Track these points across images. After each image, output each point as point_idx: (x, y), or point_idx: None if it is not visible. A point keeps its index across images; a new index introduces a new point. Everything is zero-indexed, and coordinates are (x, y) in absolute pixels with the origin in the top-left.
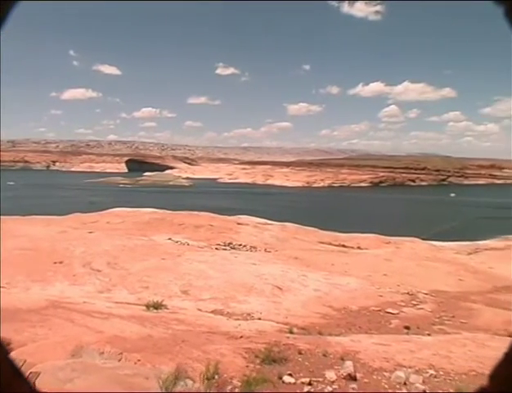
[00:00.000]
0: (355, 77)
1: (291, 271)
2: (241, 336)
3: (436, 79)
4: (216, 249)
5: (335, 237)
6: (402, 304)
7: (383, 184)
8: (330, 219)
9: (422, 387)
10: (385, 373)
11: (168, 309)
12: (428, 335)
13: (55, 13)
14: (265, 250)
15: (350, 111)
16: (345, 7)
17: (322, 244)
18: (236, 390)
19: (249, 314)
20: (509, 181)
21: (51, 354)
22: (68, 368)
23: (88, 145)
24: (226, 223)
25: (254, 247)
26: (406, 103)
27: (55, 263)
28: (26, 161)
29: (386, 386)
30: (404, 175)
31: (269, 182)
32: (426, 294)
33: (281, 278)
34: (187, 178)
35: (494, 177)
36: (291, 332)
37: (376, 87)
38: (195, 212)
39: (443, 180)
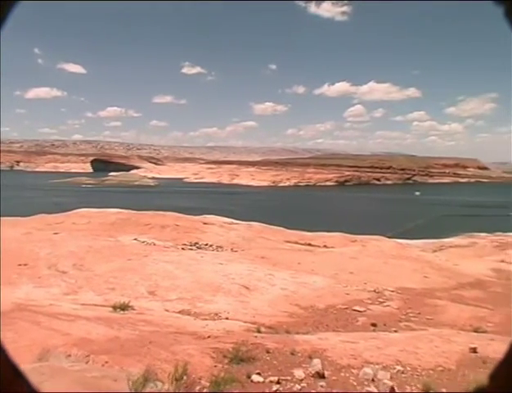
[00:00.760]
0: (321, 77)
1: (258, 270)
2: (209, 336)
3: (401, 79)
4: (182, 249)
5: (302, 236)
6: (369, 301)
7: (348, 183)
8: (297, 218)
9: (390, 383)
10: (353, 370)
11: (134, 310)
12: (395, 331)
13: (20, 10)
14: (231, 249)
15: (316, 111)
16: (312, 8)
17: (289, 243)
18: (205, 391)
19: (216, 314)
20: (472, 179)
21: (19, 358)
22: (35, 372)
23: (53, 145)
24: (192, 222)
25: (221, 247)
26: (372, 103)
27: (19, 265)
28: None
29: (354, 383)
30: (369, 174)
31: (235, 181)
32: (392, 291)
33: (248, 278)
34: (153, 178)
35: (458, 175)
36: (259, 331)
37: (342, 87)
38: (161, 212)
39: (408, 179)
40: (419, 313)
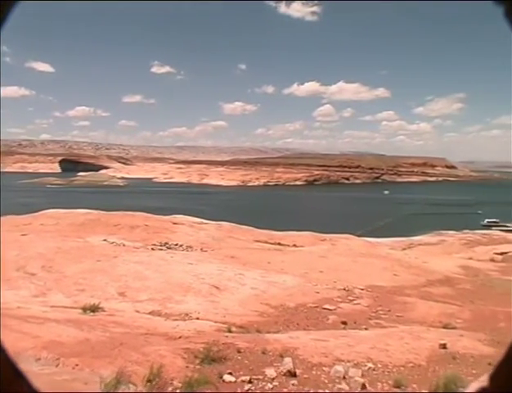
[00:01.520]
0: (290, 76)
1: (228, 270)
2: (180, 337)
3: (370, 80)
4: (152, 249)
5: (271, 236)
6: (339, 299)
7: (317, 182)
8: (266, 218)
9: (361, 380)
10: (324, 368)
11: (105, 311)
12: (366, 329)
13: None
14: (201, 249)
15: (285, 110)
16: (282, 8)
17: (258, 242)
18: (178, 392)
19: (187, 314)
20: (440, 178)
21: None
22: None
23: (21, 144)
24: (161, 222)
25: (190, 247)
26: (341, 103)
27: None
28: None
29: (326, 381)
30: (338, 173)
31: (204, 181)
32: (362, 289)
33: (218, 277)
34: (122, 178)
35: (426, 174)
36: (230, 331)
37: (311, 86)
38: (131, 212)
39: (377, 178)
40: (389, 311)
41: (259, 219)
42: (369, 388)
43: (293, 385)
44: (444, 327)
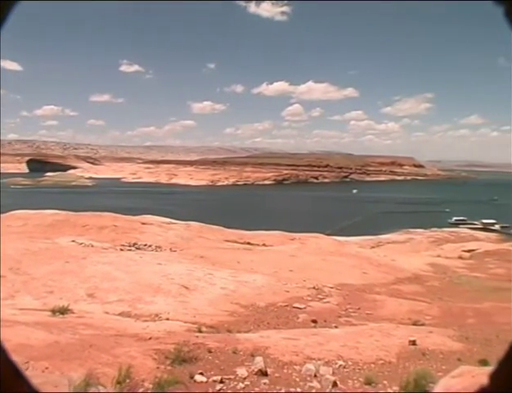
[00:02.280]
0: (259, 76)
1: (197, 270)
2: (150, 338)
3: (339, 80)
4: (121, 250)
5: (240, 235)
6: (309, 298)
7: (286, 182)
8: (235, 218)
9: (332, 378)
10: (295, 367)
11: (74, 313)
12: (336, 327)
13: None
14: (170, 249)
15: (254, 110)
16: (252, 7)
17: (228, 242)
18: (148, 392)
19: (156, 315)
20: (408, 177)
21: None
22: None
23: None
24: (130, 223)
25: (160, 247)
26: (310, 102)
27: None
28: None
29: (297, 379)
30: (307, 173)
31: (173, 181)
32: (332, 288)
33: (188, 278)
34: (90, 178)
35: (394, 173)
36: (200, 331)
37: (280, 86)
38: (99, 213)
39: (345, 177)
40: (358, 309)
41: (228, 219)
42: (340, 386)
43: (264, 384)
44: (413, 324)
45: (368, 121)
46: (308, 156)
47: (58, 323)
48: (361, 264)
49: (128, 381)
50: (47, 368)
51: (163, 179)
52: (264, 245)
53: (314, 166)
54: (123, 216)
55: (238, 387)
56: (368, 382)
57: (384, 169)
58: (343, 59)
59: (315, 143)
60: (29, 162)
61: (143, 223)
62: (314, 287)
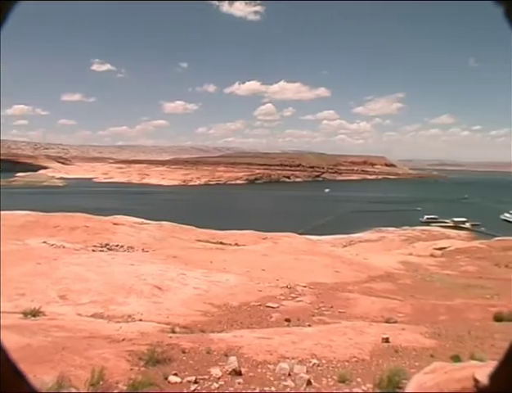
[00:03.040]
0: (232, 75)
1: (170, 270)
2: (123, 339)
3: (311, 79)
4: (93, 250)
5: (213, 235)
6: (282, 297)
7: (258, 181)
8: (208, 217)
9: (306, 377)
10: (269, 366)
11: (46, 315)
12: (309, 326)
13: None
14: (143, 249)
15: (226, 110)
16: (225, 6)
17: (200, 242)
18: None
19: (129, 316)
20: (380, 176)
21: None
22: None
23: None
24: (102, 223)
25: (132, 247)
26: (282, 102)
27: None
28: None
29: (271, 379)
30: (279, 172)
31: (145, 181)
32: (304, 286)
33: (160, 278)
34: (61, 179)
35: (366, 172)
36: (173, 332)
37: (252, 85)
38: (71, 213)
39: (318, 176)
40: (331, 307)
41: (201, 219)
42: (314, 384)
43: (238, 383)
44: (386, 322)
45: (340, 121)
46: (280, 156)
47: (30, 326)
48: (333, 263)
49: (101, 383)
50: None
51: (135, 179)
52: (237, 244)
53: (286, 166)
54: (95, 217)
55: (212, 387)
56: (342, 380)
57: (355, 168)
58: (315, 59)
59: (287, 143)
60: None
61: (115, 224)
62: (287, 286)
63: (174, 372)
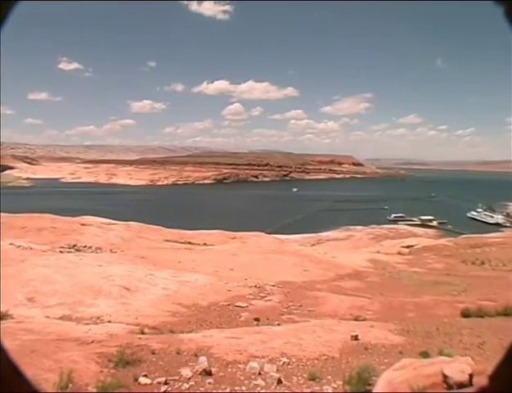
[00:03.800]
0: (200, 75)
1: (138, 271)
2: (92, 341)
3: (279, 79)
4: (60, 252)
5: (181, 235)
6: (251, 297)
7: (226, 181)
8: (176, 217)
9: (277, 375)
10: (240, 365)
11: (14, 318)
12: (278, 325)
13: None
14: (111, 250)
15: (194, 109)
16: (194, 5)
17: (168, 242)
18: None
19: (98, 318)
20: (348, 175)
21: None
22: None
23: None
24: (69, 224)
25: (100, 248)
26: (250, 101)
27: None
28: None
29: (242, 378)
30: (247, 171)
31: (112, 181)
32: (273, 286)
33: (129, 279)
34: (28, 179)
35: (334, 172)
36: (143, 333)
37: (221, 85)
38: (37, 214)
39: (285, 175)
40: (300, 306)
41: (169, 219)
42: (284, 382)
43: (209, 384)
44: (355, 320)
45: (308, 120)
46: (248, 155)
47: None
48: (301, 262)
49: (70, 386)
50: None
51: (103, 179)
52: (205, 244)
53: (254, 165)
54: (62, 217)
55: (183, 388)
56: (312, 378)
57: (323, 167)
58: (283, 58)
59: (255, 142)
60: None
61: (82, 225)
62: (256, 286)
63: (144, 373)
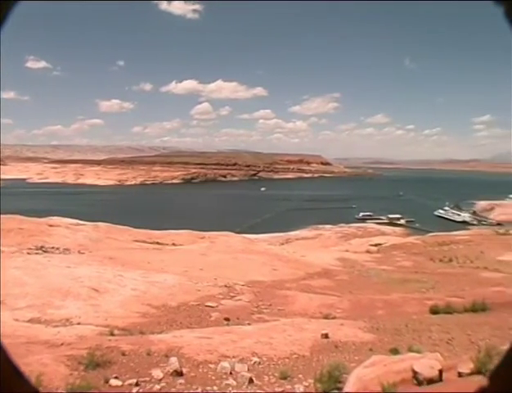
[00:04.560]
0: (169, 74)
1: (107, 272)
2: (62, 344)
3: (248, 79)
4: (28, 253)
5: (149, 235)
6: (221, 296)
7: (195, 180)
8: (144, 217)
9: (248, 375)
10: (211, 365)
11: None
12: (249, 324)
13: None
14: (79, 251)
15: (163, 108)
16: (163, 4)
17: (137, 242)
18: None
19: (67, 320)
20: (316, 174)
21: None
22: None
23: None
24: (37, 225)
25: (68, 249)
26: (219, 101)
27: None
28: None
29: (213, 378)
30: (215, 171)
31: (80, 181)
32: (243, 285)
33: (98, 280)
34: None
35: (302, 171)
36: (112, 334)
37: (189, 84)
38: (4, 215)
39: (254, 175)
40: (270, 305)
41: (137, 219)
42: (256, 382)
43: (180, 384)
44: (325, 318)
45: (276, 120)
46: (217, 155)
47: None
48: (271, 261)
49: (40, 389)
50: None
51: (71, 179)
52: (174, 244)
53: (222, 165)
54: (29, 218)
55: (154, 389)
56: (283, 377)
57: (291, 166)
58: (252, 58)
59: (223, 142)
60: None
61: (50, 225)
62: (225, 285)
63: (115, 375)
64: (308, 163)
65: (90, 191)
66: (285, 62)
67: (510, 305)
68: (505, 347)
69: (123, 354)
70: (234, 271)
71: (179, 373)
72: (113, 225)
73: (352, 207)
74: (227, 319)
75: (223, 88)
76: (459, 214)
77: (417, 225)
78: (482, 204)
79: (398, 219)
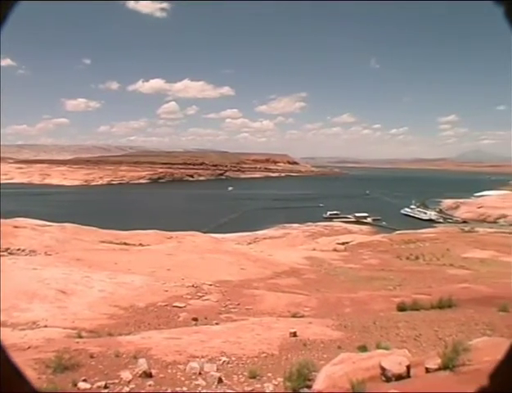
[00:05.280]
0: (135, 73)
1: (74, 273)
2: (29, 347)
3: (215, 78)
4: None
5: (116, 235)
6: (188, 296)
7: (162, 180)
8: (111, 218)
9: (217, 375)
10: (180, 366)
11: None
12: (217, 324)
13: None
14: (45, 253)
15: (129, 107)
16: (131, 3)
17: (104, 243)
18: None
19: (34, 322)
20: (283, 174)
21: None
22: None
23: None
24: (2, 227)
25: (34, 251)
26: (186, 100)
27: None
28: None
29: (182, 379)
30: (182, 171)
31: (46, 181)
32: (211, 285)
33: (65, 282)
34: None
35: (269, 170)
36: (80, 337)
37: (156, 83)
38: None
39: (221, 174)
40: (238, 305)
41: (104, 219)
42: (225, 381)
43: (149, 385)
44: (293, 316)
45: (243, 119)
46: (184, 154)
47: None
48: (238, 261)
49: None
50: None
51: (36, 180)
52: (141, 244)
53: (189, 164)
54: None
55: (123, 391)
56: (253, 376)
57: (258, 166)
58: (219, 57)
59: (190, 141)
60: None
61: (16, 227)
62: (193, 285)
63: (83, 377)
64: (275, 162)
65: (56, 191)
66: (252, 62)
67: (476, 302)
68: (471, 342)
69: (92, 357)
70: (201, 271)
71: (148, 375)
72: (80, 226)
73: (319, 206)
74: (195, 319)
75: (190, 88)
76: (425, 213)
77: (384, 223)
78: (447, 202)
79: (365, 217)
